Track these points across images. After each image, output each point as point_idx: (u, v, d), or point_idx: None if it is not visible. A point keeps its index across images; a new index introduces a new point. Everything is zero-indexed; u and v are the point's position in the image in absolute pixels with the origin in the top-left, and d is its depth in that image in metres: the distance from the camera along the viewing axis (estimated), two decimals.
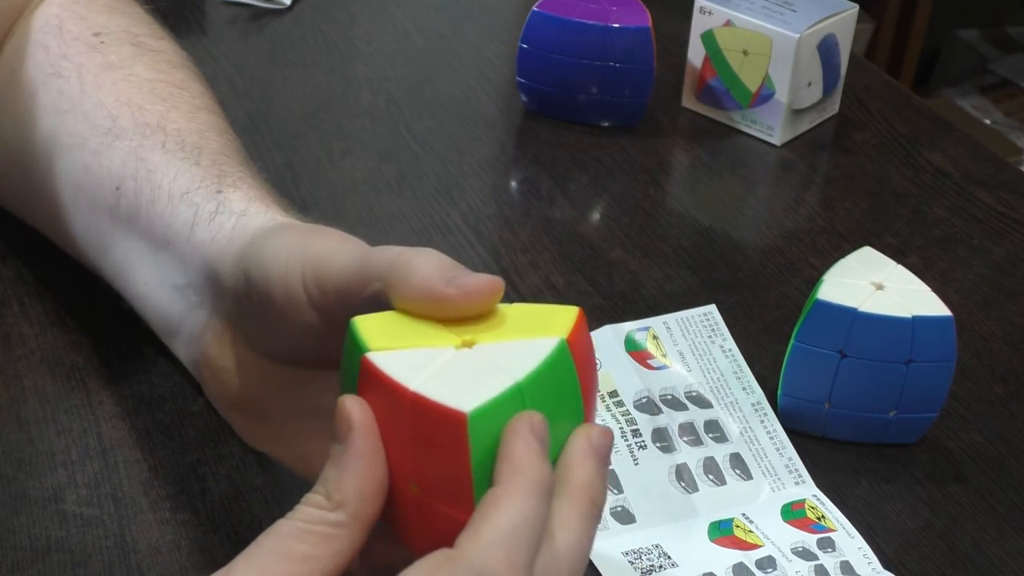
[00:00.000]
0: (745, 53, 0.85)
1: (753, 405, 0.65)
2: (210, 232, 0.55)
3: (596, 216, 0.81)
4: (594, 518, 0.43)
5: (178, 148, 0.59)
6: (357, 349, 0.43)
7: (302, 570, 0.41)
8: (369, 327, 0.44)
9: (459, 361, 0.43)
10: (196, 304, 0.57)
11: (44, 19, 0.66)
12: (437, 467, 0.42)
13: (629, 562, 0.56)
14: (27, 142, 0.65)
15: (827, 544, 0.58)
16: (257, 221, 0.54)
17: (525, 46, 0.86)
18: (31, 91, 0.65)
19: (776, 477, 0.62)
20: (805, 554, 0.58)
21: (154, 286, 0.59)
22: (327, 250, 0.48)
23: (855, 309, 0.61)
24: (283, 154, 0.83)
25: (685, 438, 0.62)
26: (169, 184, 0.58)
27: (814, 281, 0.65)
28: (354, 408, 0.42)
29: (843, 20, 0.86)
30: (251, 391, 0.54)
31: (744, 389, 0.65)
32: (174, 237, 0.57)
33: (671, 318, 0.68)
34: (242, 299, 0.52)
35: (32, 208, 0.68)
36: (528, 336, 0.43)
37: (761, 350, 0.69)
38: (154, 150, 0.59)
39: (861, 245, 0.66)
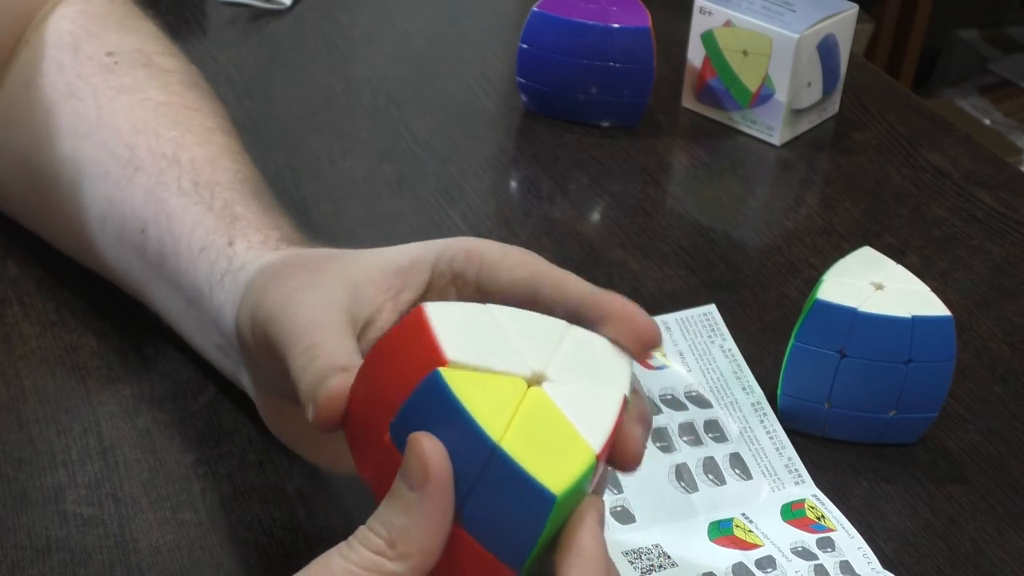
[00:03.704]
0: (745, 53, 0.85)
1: (753, 405, 0.65)
2: (223, 295, 0.56)
3: (596, 216, 0.81)
4: None
5: (192, 188, 0.60)
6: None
7: None
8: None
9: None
10: (239, 363, 0.58)
11: (58, 35, 0.67)
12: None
13: (629, 562, 0.56)
14: (44, 161, 0.66)
15: (827, 544, 0.58)
16: (248, 273, 0.54)
17: (525, 46, 0.86)
18: (47, 109, 0.65)
19: (776, 477, 0.62)
20: (805, 554, 0.58)
21: (200, 343, 0.61)
22: (288, 335, 0.48)
23: (855, 309, 0.61)
24: (283, 154, 0.83)
25: (685, 438, 0.62)
26: (188, 237, 0.58)
27: (814, 281, 0.65)
28: (433, 454, 0.40)
29: (843, 20, 0.86)
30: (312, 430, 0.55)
31: (744, 389, 0.65)
32: (198, 295, 0.58)
33: (671, 318, 0.68)
34: (272, 368, 0.52)
35: (49, 225, 0.69)
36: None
37: (761, 350, 0.69)
38: (171, 189, 0.60)
39: (861, 245, 0.66)
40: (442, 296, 0.50)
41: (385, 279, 0.50)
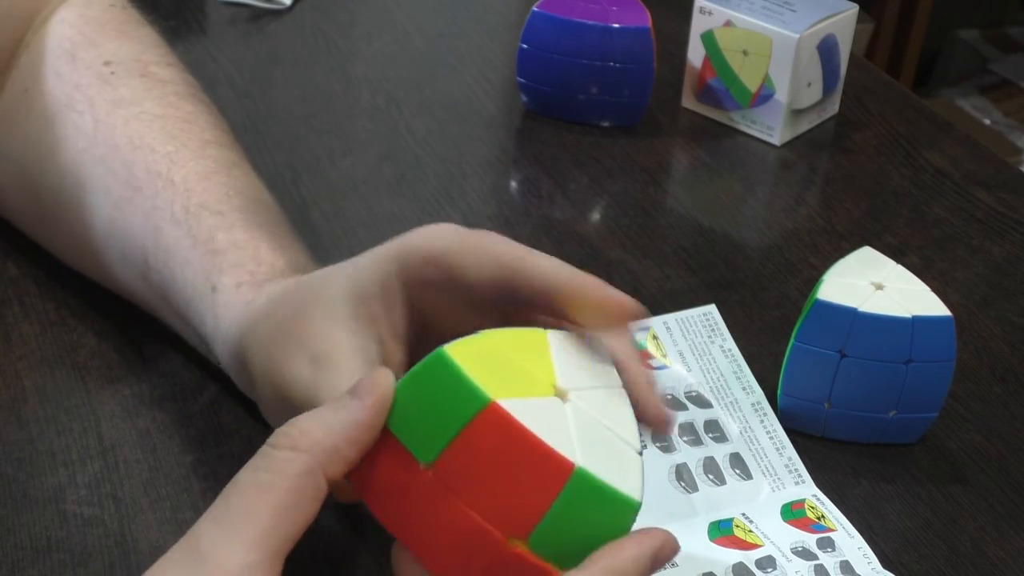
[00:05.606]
0: (745, 53, 0.85)
1: (753, 405, 0.65)
2: (218, 346, 0.58)
3: (596, 216, 0.81)
4: None
5: (184, 215, 0.61)
6: (473, 395, 0.42)
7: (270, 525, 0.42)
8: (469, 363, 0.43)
9: (581, 422, 0.43)
10: (251, 390, 0.59)
11: (57, 41, 0.67)
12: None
13: None
14: (44, 172, 0.66)
15: (827, 544, 0.58)
16: (234, 330, 0.56)
17: (525, 46, 0.86)
18: (46, 118, 0.65)
19: (776, 477, 0.62)
20: (805, 554, 0.58)
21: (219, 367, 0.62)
22: (289, 389, 0.52)
23: (855, 309, 0.61)
24: (283, 154, 0.83)
25: (685, 438, 0.62)
26: (181, 278, 0.60)
27: (814, 281, 0.65)
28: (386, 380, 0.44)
29: (843, 20, 0.86)
30: None
31: (744, 389, 0.65)
32: (199, 336, 0.60)
33: (671, 318, 0.68)
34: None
35: (50, 236, 0.69)
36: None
37: (761, 350, 0.69)
38: (165, 217, 0.61)
39: (861, 245, 0.66)
40: (434, 303, 0.52)
41: (370, 312, 0.52)
